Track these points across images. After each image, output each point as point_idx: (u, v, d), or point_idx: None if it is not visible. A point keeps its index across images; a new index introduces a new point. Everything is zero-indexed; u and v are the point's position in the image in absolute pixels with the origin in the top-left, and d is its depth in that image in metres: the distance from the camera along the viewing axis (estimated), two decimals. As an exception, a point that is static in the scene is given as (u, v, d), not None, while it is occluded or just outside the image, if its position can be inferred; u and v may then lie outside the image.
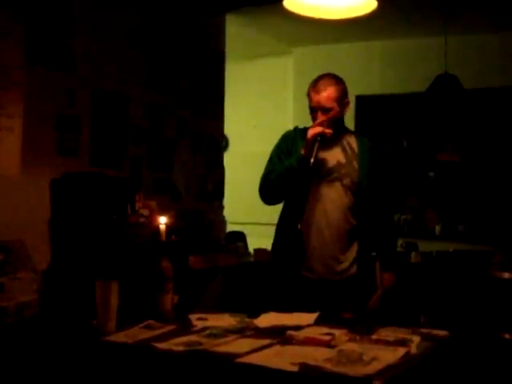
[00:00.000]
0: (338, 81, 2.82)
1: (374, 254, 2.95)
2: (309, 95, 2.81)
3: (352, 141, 2.88)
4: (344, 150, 2.84)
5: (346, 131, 2.91)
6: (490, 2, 5.00)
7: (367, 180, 2.82)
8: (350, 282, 2.82)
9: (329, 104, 2.76)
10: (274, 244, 2.93)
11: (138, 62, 4.10)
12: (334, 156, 2.81)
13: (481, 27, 5.64)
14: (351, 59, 6.33)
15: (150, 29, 4.20)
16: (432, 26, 5.50)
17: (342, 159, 2.82)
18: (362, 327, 2.13)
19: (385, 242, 2.96)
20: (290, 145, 2.83)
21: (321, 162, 2.74)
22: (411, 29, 5.83)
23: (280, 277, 2.82)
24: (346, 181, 2.80)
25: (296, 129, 2.92)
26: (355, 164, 2.83)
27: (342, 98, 2.80)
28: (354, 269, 2.82)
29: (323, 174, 2.78)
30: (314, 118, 2.80)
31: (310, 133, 2.70)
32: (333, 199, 2.79)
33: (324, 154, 2.76)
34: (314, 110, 2.79)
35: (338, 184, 2.79)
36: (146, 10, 4.15)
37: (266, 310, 2.38)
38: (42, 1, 3.33)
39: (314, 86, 2.79)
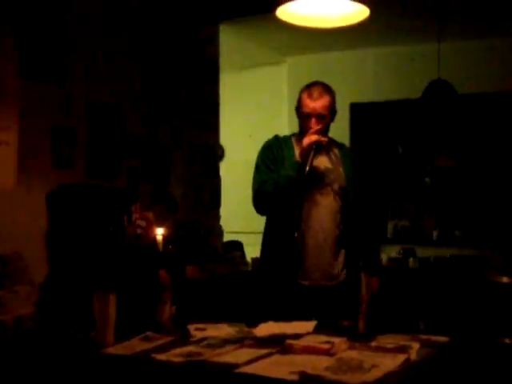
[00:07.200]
0: (330, 90, 2.88)
1: (358, 260, 2.94)
2: (301, 101, 2.83)
3: (334, 147, 2.93)
4: (329, 157, 2.88)
5: (328, 139, 2.93)
6: (482, 8, 5.02)
7: (352, 185, 2.87)
8: (342, 288, 2.82)
9: (325, 111, 2.80)
10: (264, 253, 2.91)
11: (133, 74, 4.11)
12: (322, 163, 2.84)
13: (473, 33, 5.67)
14: (345, 67, 6.35)
15: (145, 40, 4.21)
16: (425, 32, 5.52)
17: (329, 165, 2.86)
18: (361, 334, 2.13)
19: (369, 247, 2.98)
20: (276, 153, 2.85)
21: (314, 170, 2.75)
22: (404, 36, 5.85)
23: (276, 286, 2.81)
24: (335, 186, 2.83)
25: (277, 137, 2.94)
26: (341, 169, 2.87)
27: (334, 107, 2.87)
28: (343, 275, 2.83)
29: (316, 181, 2.79)
30: (304, 124, 2.82)
31: (306, 141, 2.71)
32: (325, 205, 2.81)
33: (314, 162, 2.77)
34: (308, 116, 2.80)
35: (329, 190, 2.82)
36: (140, 22, 4.16)
37: (265, 320, 2.37)
38: (35, 15, 3.34)
39: (309, 92, 2.81)
